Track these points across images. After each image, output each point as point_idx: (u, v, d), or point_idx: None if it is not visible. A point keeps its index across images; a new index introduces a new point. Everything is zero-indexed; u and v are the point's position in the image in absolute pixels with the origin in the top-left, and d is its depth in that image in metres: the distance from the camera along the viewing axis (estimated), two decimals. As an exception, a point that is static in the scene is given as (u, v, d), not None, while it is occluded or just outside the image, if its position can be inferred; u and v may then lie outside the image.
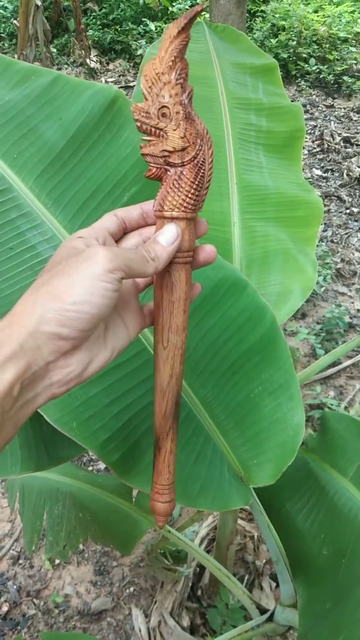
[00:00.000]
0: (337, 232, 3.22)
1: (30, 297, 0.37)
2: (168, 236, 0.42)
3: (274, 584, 1.53)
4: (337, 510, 0.75)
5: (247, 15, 5.27)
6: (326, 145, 3.98)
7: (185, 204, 0.43)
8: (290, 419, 0.66)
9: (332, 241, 3.16)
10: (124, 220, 0.45)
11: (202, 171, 0.43)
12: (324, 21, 5.24)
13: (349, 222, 3.31)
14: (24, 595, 1.56)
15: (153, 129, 0.43)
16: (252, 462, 0.66)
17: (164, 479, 0.49)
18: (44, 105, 0.67)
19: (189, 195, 0.43)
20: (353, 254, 3.05)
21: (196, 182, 0.43)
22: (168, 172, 0.43)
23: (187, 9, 5.56)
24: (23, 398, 0.36)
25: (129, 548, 1.00)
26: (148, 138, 0.44)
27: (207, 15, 4.26)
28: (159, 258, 0.41)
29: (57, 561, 1.64)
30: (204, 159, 0.43)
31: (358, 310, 2.69)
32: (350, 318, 2.60)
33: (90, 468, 1.92)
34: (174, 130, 0.42)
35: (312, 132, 4.24)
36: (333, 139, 4.04)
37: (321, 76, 4.99)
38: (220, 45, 1.40)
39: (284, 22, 5.21)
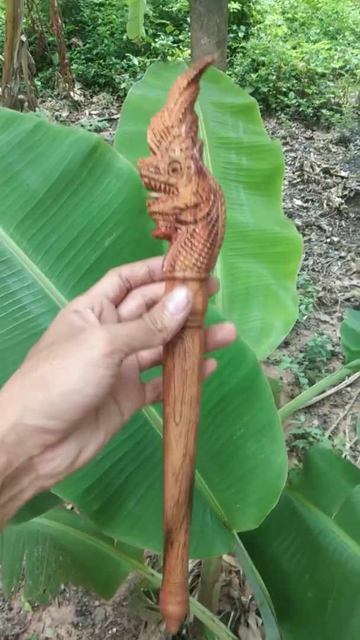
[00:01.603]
0: (318, 261, 3.28)
1: (17, 384, 0.34)
2: (178, 302, 0.38)
3: (260, 621, 1.50)
4: (322, 551, 0.74)
5: (228, 51, 5.44)
6: (306, 176, 4.08)
7: (198, 264, 0.40)
8: (272, 461, 0.66)
9: (313, 270, 3.21)
10: (128, 279, 0.42)
11: (215, 228, 0.40)
12: (302, 57, 5.43)
13: (330, 250, 3.38)
14: (3, 640, 1.50)
15: (163, 185, 0.40)
16: (235, 506, 0.65)
17: (177, 576, 0.44)
18: (26, 152, 0.68)
19: (203, 254, 0.40)
20: (334, 283, 3.09)
21: (210, 240, 0.40)
22: (178, 230, 0.41)
23: (170, 45, 5.73)
24: (6, 495, 0.34)
25: (111, 592, 0.97)
26: (157, 195, 0.41)
27: (188, 52, 4.40)
28: (166, 328, 0.38)
29: (37, 602, 1.59)
30: (217, 215, 0.40)
31: (340, 338, 2.71)
32: (333, 346, 2.63)
33: (69, 506, 1.88)
34: (186, 186, 0.39)
35: (293, 163, 4.35)
36: (313, 170, 4.15)
37: (300, 109, 5.14)
38: (202, 85, 1.44)
39: (263, 58, 5.38)
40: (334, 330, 2.77)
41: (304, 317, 2.83)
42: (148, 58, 5.83)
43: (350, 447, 2.14)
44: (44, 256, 0.64)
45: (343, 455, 2.09)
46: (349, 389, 2.45)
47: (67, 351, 0.34)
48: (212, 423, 0.67)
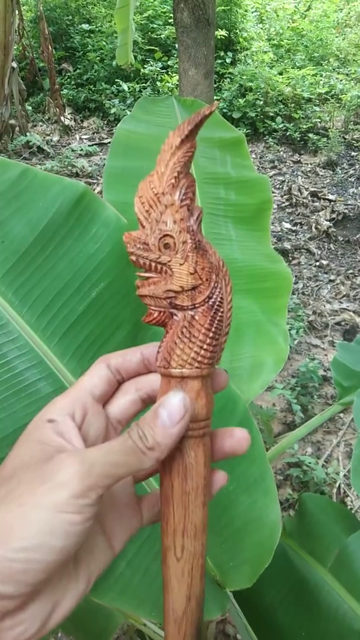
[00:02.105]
0: (307, 285, 3.29)
1: None
2: (172, 410, 0.31)
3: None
4: (318, 605, 0.72)
5: (216, 76, 5.54)
6: (294, 200, 4.12)
7: (199, 358, 0.33)
8: (266, 517, 0.64)
9: (303, 293, 3.22)
10: (119, 370, 0.35)
11: (219, 314, 0.34)
12: (289, 82, 5.53)
13: (319, 274, 3.40)
14: None
15: (154, 264, 0.34)
16: (228, 564, 0.63)
17: None
18: (12, 200, 0.67)
19: (204, 346, 0.33)
20: (324, 306, 3.10)
21: (213, 329, 0.33)
22: (174, 317, 0.34)
23: (159, 71, 5.81)
24: None
25: (102, 643, 0.94)
26: (147, 275, 0.35)
27: (177, 78, 4.44)
28: (160, 445, 0.30)
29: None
30: (221, 298, 0.34)
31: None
32: (324, 371, 2.62)
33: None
34: (181, 265, 0.33)
35: (281, 186, 4.40)
36: (301, 194, 4.19)
37: (288, 133, 5.22)
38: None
39: (251, 84, 5.48)
40: (325, 355, 2.77)
41: (295, 342, 2.83)
42: (137, 84, 5.92)
43: (344, 475, 2.12)
44: (30, 308, 0.62)
45: (337, 484, 2.07)
46: (341, 414, 2.43)
47: (28, 490, 0.27)
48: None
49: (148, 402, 0.36)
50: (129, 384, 0.36)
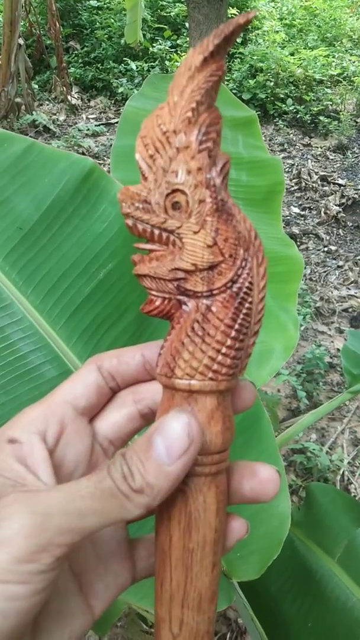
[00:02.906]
0: (315, 270, 3.25)
1: None
2: (172, 440, 0.22)
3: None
4: (325, 597, 0.71)
5: (226, 56, 5.41)
6: (304, 184, 4.06)
7: (215, 366, 0.24)
8: (275, 508, 0.62)
9: (310, 279, 3.18)
10: (112, 375, 0.27)
11: (246, 305, 0.24)
12: (300, 64, 5.41)
13: (327, 260, 3.35)
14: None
15: (157, 232, 0.25)
16: (235, 554, 0.62)
17: None
18: (16, 176, 0.64)
19: (223, 349, 0.24)
20: (332, 292, 3.07)
21: (236, 326, 0.24)
22: (183, 307, 0.25)
23: (168, 50, 5.70)
24: None
25: (105, 629, 0.93)
26: (148, 247, 0.25)
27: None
28: (152, 488, 0.21)
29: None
30: (250, 283, 0.24)
31: (338, 350, 2.69)
32: (331, 357, 2.60)
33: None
34: (195, 233, 0.24)
35: (290, 170, 4.33)
36: (310, 178, 4.13)
37: (298, 116, 5.13)
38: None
39: (261, 64, 5.37)
40: (332, 342, 2.74)
41: (302, 328, 2.80)
42: (146, 62, 5.81)
43: (349, 463, 2.11)
44: (35, 289, 0.60)
45: (341, 471, 2.06)
46: (347, 402, 2.42)
47: None
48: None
49: (149, 418, 0.28)
50: (126, 394, 0.28)
